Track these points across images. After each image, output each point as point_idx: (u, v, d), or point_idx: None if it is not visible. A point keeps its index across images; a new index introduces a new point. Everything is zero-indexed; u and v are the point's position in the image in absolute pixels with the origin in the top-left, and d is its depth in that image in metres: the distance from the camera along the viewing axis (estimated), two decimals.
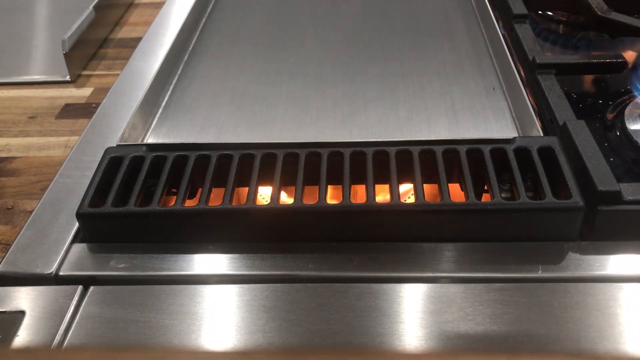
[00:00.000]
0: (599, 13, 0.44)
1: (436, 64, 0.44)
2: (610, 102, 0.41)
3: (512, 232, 0.30)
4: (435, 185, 0.31)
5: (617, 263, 0.29)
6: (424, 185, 0.30)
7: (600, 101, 0.42)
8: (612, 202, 0.29)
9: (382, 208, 0.29)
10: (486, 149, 0.32)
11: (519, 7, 0.46)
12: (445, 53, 0.45)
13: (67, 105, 0.49)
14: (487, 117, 0.38)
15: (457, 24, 0.49)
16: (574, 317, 0.26)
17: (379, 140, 0.33)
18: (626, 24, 0.43)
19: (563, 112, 0.35)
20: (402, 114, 0.38)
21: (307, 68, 0.44)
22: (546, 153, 0.31)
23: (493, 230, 0.30)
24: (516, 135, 0.34)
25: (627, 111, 0.38)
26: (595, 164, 0.30)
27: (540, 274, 0.28)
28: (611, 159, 0.36)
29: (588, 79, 0.44)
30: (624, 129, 0.38)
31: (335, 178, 0.32)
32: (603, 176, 0.29)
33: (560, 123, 0.34)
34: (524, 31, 0.43)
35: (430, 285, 0.28)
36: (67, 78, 0.53)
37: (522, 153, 0.32)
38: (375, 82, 0.42)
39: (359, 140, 0.34)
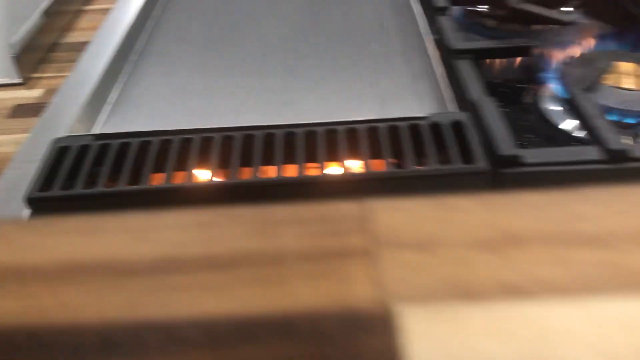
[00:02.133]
0: (513, 4, 0.48)
1: (367, 56, 0.47)
2: (530, 86, 0.45)
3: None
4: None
5: None
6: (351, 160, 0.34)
7: (521, 85, 0.46)
8: (513, 165, 0.33)
9: (308, 179, 0.32)
10: (403, 125, 0.35)
11: (441, 1, 0.49)
12: (375, 46, 0.48)
13: (18, 105, 0.51)
14: (411, 102, 0.41)
15: (388, 19, 0.52)
16: None
17: (309, 122, 0.36)
18: (538, 14, 0.48)
19: (475, 92, 0.39)
20: (333, 101, 0.42)
21: (246, 63, 0.47)
22: (457, 127, 0.35)
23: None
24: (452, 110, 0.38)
25: (540, 93, 0.42)
26: (499, 133, 0.34)
27: None
28: (530, 136, 0.40)
29: (512, 66, 0.48)
30: (537, 109, 0.42)
31: (269, 158, 0.35)
32: (505, 143, 0.33)
33: (471, 100, 0.38)
34: (445, 22, 0.47)
35: None
36: (18, 80, 0.55)
37: (435, 128, 0.35)
38: (310, 74, 0.45)
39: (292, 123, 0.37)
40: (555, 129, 0.41)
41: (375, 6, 0.55)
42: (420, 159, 0.34)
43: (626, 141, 0.37)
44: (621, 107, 0.40)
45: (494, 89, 0.45)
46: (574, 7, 0.54)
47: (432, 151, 0.33)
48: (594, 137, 0.34)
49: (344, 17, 0.54)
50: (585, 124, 0.36)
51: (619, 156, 0.33)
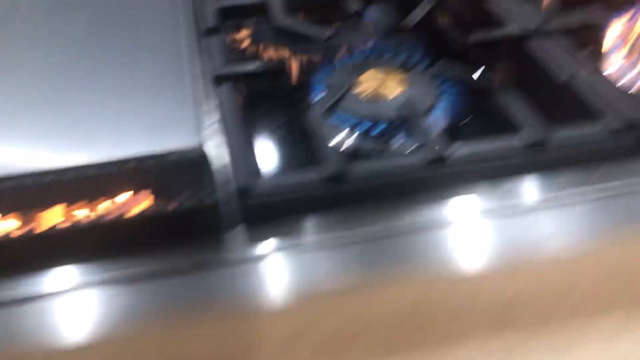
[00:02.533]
0: (278, 22, 0.51)
1: (137, 82, 0.47)
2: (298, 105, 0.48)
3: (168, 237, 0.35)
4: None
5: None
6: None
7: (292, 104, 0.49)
8: (250, 195, 0.35)
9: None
10: (144, 163, 0.36)
11: (211, 20, 0.51)
12: (148, 72, 0.49)
13: None
14: (167, 133, 0.42)
15: (164, 42, 0.52)
16: None
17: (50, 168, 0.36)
18: (301, 31, 0.51)
19: (230, 119, 0.41)
20: (84, 131, 0.41)
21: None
22: (197, 160, 0.37)
23: (146, 240, 0.35)
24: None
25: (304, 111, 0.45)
26: (239, 164, 0.37)
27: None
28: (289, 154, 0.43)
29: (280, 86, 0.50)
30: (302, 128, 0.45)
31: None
32: (242, 174, 0.36)
33: (225, 129, 0.40)
34: (214, 44, 0.48)
35: None
36: None
37: (171, 165, 0.37)
38: (77, 103, 0.45)
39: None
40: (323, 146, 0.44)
41: (149, 29, 0.55)
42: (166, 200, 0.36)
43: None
44: (364, 117, 0.45)
45: (259, 112, 0.48)
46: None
47: (167, 192, 0.35)
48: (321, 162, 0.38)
49: (124, 40, 0.53)
50: (319, 146, 0.39)
51: (337, 178, 0.36)
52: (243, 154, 0.38)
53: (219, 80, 0.44)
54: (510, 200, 0.37)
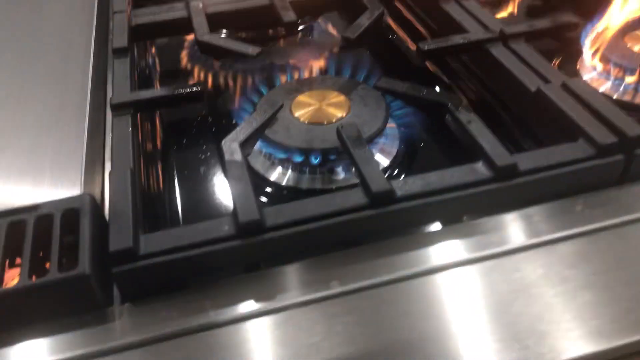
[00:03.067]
0: (199, 37, 0.44)
1: (32, 116, 0.40)
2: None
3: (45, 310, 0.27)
4: None
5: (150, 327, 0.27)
6: None
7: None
8: (128, 260, 0.27)
9: None
10: (4, 223, 0.28)
11: (119, 40, 0.43)
12: (47, 103, 0.41)
13: None
14: (54, 176, 0.34)
15: (69, 69, 0.45)
16: None
17: None
18: (225, 48, 0.43)
19: (121, 159, 0.33)
20: None
21: None
22: (73, 215, 0.29)
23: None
24: (79, 192, 0.32)
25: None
26: (117, 222, 0.28)
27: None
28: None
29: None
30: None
31: None
32: (120, 235, 0.28)
33: (115, 172, 0.32)
34: (119, 68, 0.41)
35: None
36: None
37: (47, 220, 0.29)
38: None
39: None
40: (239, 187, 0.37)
41: (63, 51, 0.47)
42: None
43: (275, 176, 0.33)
44: (296, 147, 0.37)
45: (167, 144, 0.41)
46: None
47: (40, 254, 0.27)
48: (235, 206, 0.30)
49: (27, 67, 0.46)
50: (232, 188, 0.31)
51: (250, 229, 0.28)
52: (131, 203, 0.29)
53: (119, 108, 0.36)
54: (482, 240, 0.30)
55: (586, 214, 0.31)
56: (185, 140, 0.42)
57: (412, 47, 0.44)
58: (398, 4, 0.54)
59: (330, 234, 0.30)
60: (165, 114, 0.44)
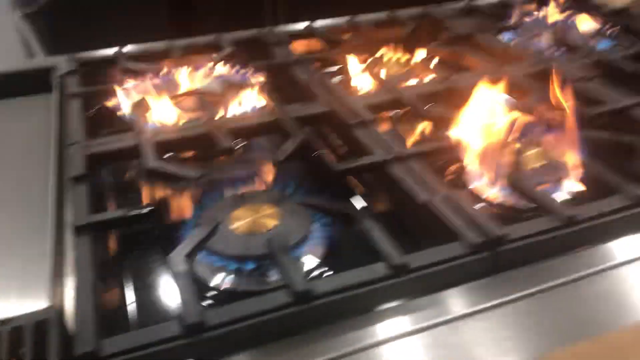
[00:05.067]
0: (147, 164, 0.51)
1: None
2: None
3: None
4: None
5: None
6: None
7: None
8: None
9: None
10: None
11: (76, 169, 0.50)
12: (12, 225, 0.47)
13: None
14: (22, 291, 0.40)
15: (31, 195, 0.51)
16: None
17: None
18: (171, 173, 0.51)
19: (83, 274, 0.39)
20: None
21: None
22: (43, 326, 0.34)
23: None
24: (46, 305, 0.37)
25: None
26: (82, 329, 0.34)
27: None
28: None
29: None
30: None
31: None
32: (84, 340, 0.33)
33: (76, 286, 0.38)
34: (77, 193, 0.47)
35: None
36: None
37: (18, 332, 0.34)
38: None
39: None
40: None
41: (16, 177, 0.53)
42: None
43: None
44: (233, 255, 0.44)
45: (124, 260, 0.47)
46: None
47: None
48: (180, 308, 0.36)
49: None
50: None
51: (193, 329, 0.35)
52: (93, 312, 0.35)
53: (80, 230, 0.43)
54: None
55: (462, 301, 0.38)
56: (137, 252, 0.49)
57: (333, 164, 0.53)
58: (320, 128, 0.64)
59: (264, 329, 0.36)
60: (116, 227, 0.50)
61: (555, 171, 0.52)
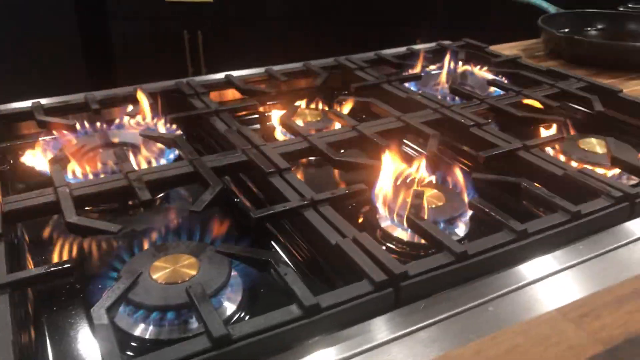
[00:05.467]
0: (67, 219, 0.52)
1: None
2: None
3: None
4: None
5: None
6: None
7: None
8: None
9: None
10: None
11: None
12: None
13: None
14: None
15: None
16: None
17: None
18: (91, 227, 0.52)
19: (2, 333, 0.39)
20: None
21: None
22: None
23: None
24: None
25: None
26: None
27: None
28: None
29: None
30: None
31: None
32: None
33: None
34: None
35: None
36: None
37: None
38: None
39: None
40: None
41: None
42: None
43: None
44: (153, 306, 0.46)
45: (45, 317, 0.47)
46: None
47: None
48: None
49: None
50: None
51: None
52: None
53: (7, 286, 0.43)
54: None
55: (369, 336, 0.42)
56: (57, 308, 0.49)
57: (251, 211, 0.56)
58: (237, 177, 0.67)
59: None
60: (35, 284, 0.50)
61: (451, 210, 0.57)
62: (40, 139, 0.72)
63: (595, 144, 0.70)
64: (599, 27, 1.22)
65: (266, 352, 0.41)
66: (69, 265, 0.46)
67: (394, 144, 0.66)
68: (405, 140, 0.79)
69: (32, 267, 0.50)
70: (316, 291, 0.43)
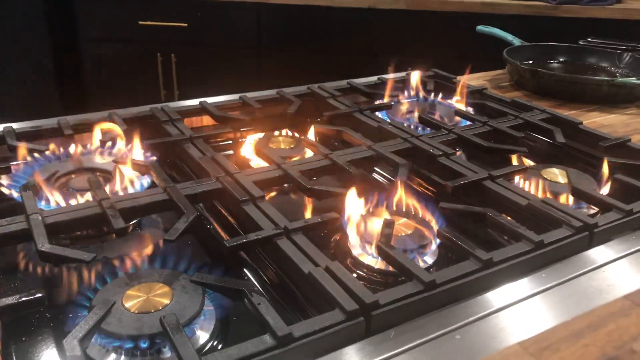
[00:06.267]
0: (39, 247, 0.52)
1: None
2: None
3: None
4: None
5: None
6: None
7: None
8: None
9: None
10: None
11: None
12: None
13: None
14: None
15: None
16: None
17: None
18: (63, 256, 0.52)
19: None
20: None
21: None
22: None
23: None
24: None
25: None
26: None
27: None
28: None
29: None
30: None
31: None
32: None
33: None
34: None
35: None
36: None
37: None
38: None
39: None
40: None
41: None
42: None
43: None
44: (126, 336, 0.46)
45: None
46: None
47: None
48: None
49: None
50: None
51: None
52: None
53: None
54: None
55: None
56: (24, 338, 0.48)
57: (224, 240, 0.57)
58: (211, 205, 0.67)
59: None
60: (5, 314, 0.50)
61: (420, 239, 0.59)
62: (11, 164, 0.72)
63: (557, 174, 0.73)
64: (561, 59, 1.27)
65: None
66: (41, 295, 0.46)
67: (365, 173, 0.67)
68: (376, 169, 0.80)
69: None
70: (289, 320, 0.44)
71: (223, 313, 0.51)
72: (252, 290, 0.47)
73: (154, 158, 0.75)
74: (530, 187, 0.71)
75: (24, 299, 0.46)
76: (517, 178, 0.72)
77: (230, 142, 0.87)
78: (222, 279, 0.50)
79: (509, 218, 0.61)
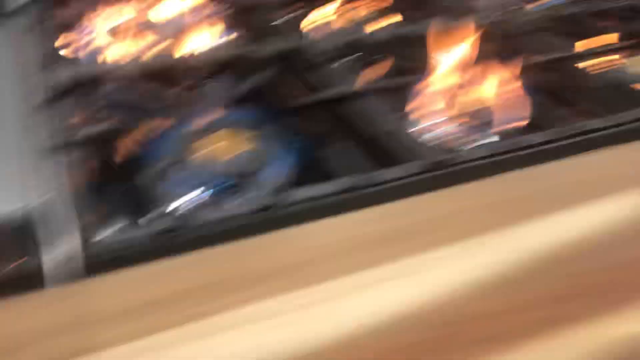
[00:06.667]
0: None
1: None
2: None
3: None
4: None
5: None
6: None
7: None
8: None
9: None
10: None
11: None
12: None
13: None
14: None
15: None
16: None
17: None
18: None
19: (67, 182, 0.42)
20: None
21: None
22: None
23: None
24: None
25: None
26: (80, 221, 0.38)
27: None
28: None
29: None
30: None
31: None
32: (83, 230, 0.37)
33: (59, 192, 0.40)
34: (53, 113, 0.49)
35: None
36: None
37: None
38: None
39: None
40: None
41: None
42: None
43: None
44: (206, 175, 0.47)
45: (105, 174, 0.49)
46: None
47: None
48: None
49: None
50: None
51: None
52: (83, 213, 0.39)
53: (63, 145, 0.45)
54: None
55: None
56: (111, 171, 0.50)
57: (292, 98, 0.56)
58: (286, 64, 0.66)
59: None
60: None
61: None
62: (89, 16, 0.71)
63: None
64: None
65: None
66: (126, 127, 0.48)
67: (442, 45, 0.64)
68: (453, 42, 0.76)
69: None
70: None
71: (302, 158, 0.52)
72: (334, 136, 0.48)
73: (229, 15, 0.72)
74: None
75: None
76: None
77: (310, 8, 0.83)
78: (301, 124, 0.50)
79: None
